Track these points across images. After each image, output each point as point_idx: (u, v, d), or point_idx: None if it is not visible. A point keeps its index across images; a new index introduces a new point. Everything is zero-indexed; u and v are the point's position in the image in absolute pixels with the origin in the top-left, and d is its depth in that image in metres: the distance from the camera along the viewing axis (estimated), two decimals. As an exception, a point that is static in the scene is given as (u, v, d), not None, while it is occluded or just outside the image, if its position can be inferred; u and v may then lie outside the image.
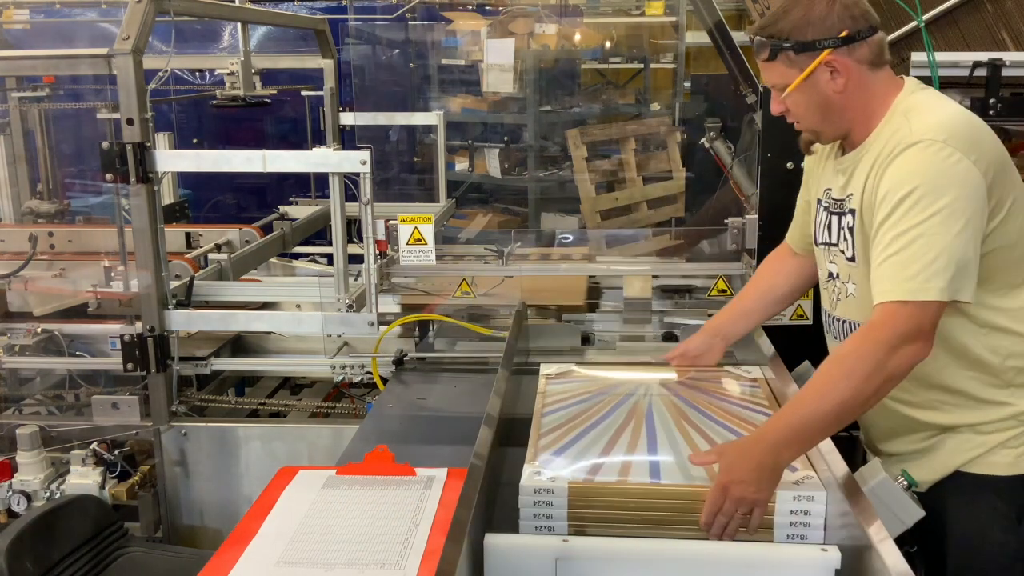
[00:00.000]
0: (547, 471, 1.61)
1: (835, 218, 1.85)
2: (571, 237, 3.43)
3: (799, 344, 2.17)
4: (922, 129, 1.64)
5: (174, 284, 2.73)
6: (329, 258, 3.46)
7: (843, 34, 1.70)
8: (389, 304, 2.82)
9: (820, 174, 1.95)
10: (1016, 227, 1.69)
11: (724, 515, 1.51)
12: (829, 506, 1.52)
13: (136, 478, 2.65)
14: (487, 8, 6.34)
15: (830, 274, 1.90)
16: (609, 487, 1.57)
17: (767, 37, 1.74)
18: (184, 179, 4.70)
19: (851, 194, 1.79)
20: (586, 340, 2.69)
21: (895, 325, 1.57)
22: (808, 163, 2.05)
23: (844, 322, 1.87)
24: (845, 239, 1.81)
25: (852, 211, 1.78)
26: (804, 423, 1.56)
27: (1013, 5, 2.62)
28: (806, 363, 2.11)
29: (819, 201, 1.93)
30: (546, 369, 2.15)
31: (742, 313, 2.21)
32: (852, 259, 1.80)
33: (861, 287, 1.78)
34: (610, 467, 1.63)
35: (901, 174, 1.62)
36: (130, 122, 2.49)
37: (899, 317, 1.57)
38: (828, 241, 1.89)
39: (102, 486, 2.61)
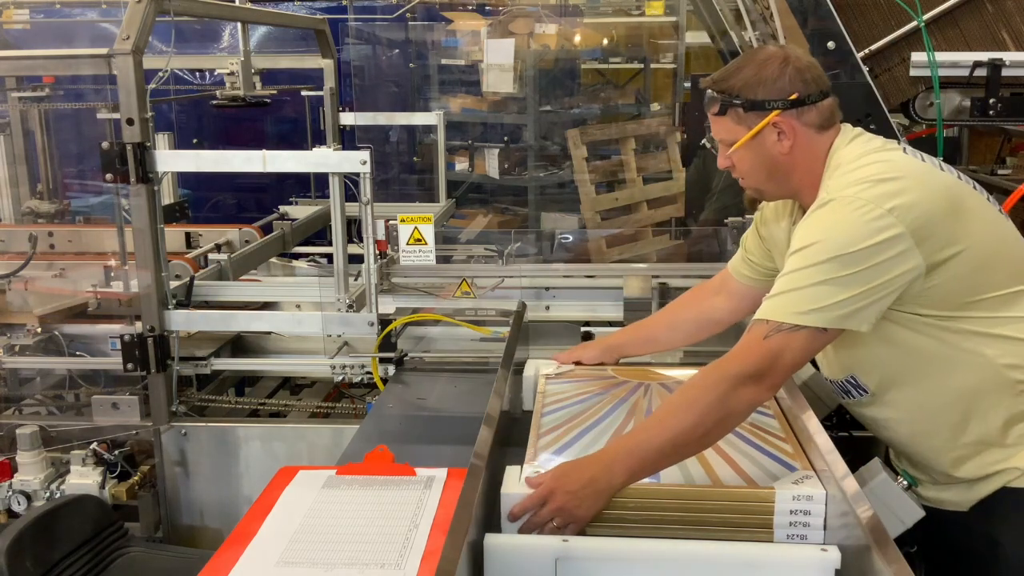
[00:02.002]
0: (546, 471, 1.61)
1: None
2: (571, 237, 3.43)
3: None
4: (839, 185, 1.64)
5: (174, 284, 2.73)
6: (329, 258, 3.46)
7: (792, 97, 1.70)
8: (389, 304, 2.82)
9: (785, 239, 1.92)
10: (973, 263, 1.64)
11: (538, 518, 1.52)
12: (829, 506, 1.52)
13: (136, 478, 2.65)
14: (487, 8, 6.34)
15: None
16: None
17: (718, 92, 1.76)
18: (184, 179, 4.70)
19: None
20: (587, 338, 2.69)
21: (744, 360, 1.56)
22: (767, 212, 2.03)
23: (831, 381, 1.88)
24: None
25: None
26: (641, 448, 1.55)
27: (1013, 5, 2.62)
28: (806, 364, 2.11)
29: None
30: (537, 367, 2.16)
31: (646, 339, 2.22)
32: None
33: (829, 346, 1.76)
34: None
35: (807, 230, 1.63)
36: (130, 122, 2.49)
37: (752, 352, 1.56)
38: None
39: (102, 486, 2.61)
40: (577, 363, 2.17)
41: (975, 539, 1.75)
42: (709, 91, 1.78)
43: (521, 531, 1.53)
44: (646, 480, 1.58)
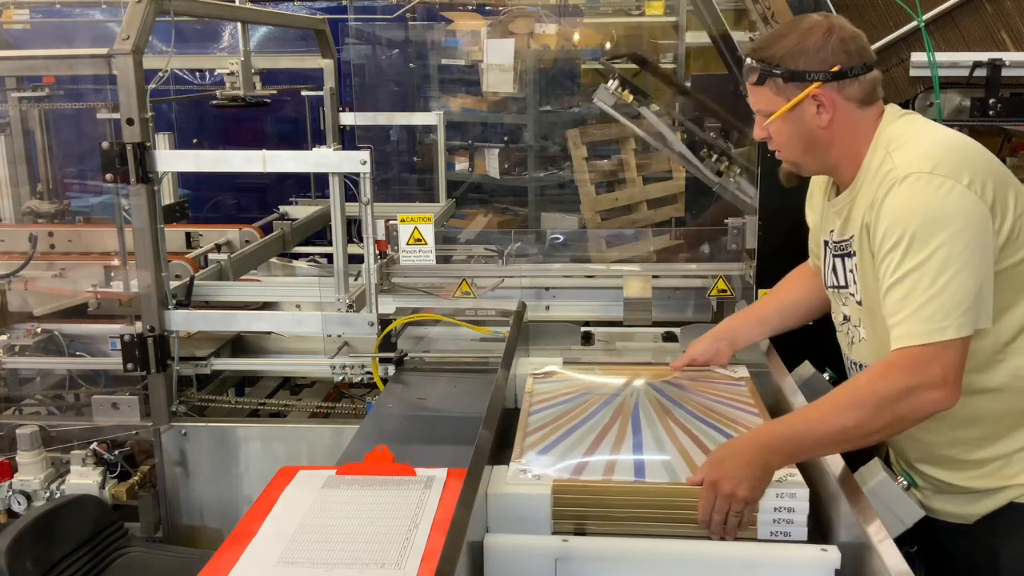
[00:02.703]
0: (532, 469, 1.61)
1: (839, 261, 1.82)
2: (561, 238, 3.43)
3: (799, 344, 2.17)
4: (907, 162, 1.60)
5: (174, 284, 2.73)
6: (329, 258, 3.47)
7: (835, 69, 1.65)
8: (389, 304, 2.82)
9: (819, 219, 1.92)
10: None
11: (718, 512, 1.50)
12: (829, 506, 1.52)
13: (136, 478, 2.65)
14: (487, 8, 6.34)
15: (845, 317, 1.86)
16: (593, 485, 1.57)
17: (758, 61, 1.70)
18: (184, 179, 4.70)
19: (851, 236, 1.75)
20: (587, 339, 2.69)
21: (915, 369, 1.51)
22: (809, 210, 2.00)
23: (861, 365, 1.83)
24: (855, 283, 1.77)
25: (853, 253, 1.74)
26: (800, 437, 1.54)
27: (1013, 5, 2.62)
28: (806, 363, 2.11)
29: (826, 243, 1.89)
30: (531, 367, 2.16)
31: (758, 321, 2.16)
32: (860, 303, 1.76)
33: (870, 331, 1.75)
34: (595, 466, 1.64)
35: (894, 214, 1.58)
36: (130, 122, 2.49)
37: (919, 361, 1.51)
38: (837, 284, 1.85)
39: (102, 486, 2.61)
40: (692, 364, 2.11)
41: (979, 553, 1.74)
42: (748, 60, 1.72)
43: (712, 533, 1.51)
44: (631, 479, 1.58)
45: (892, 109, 1.74)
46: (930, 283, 1.52)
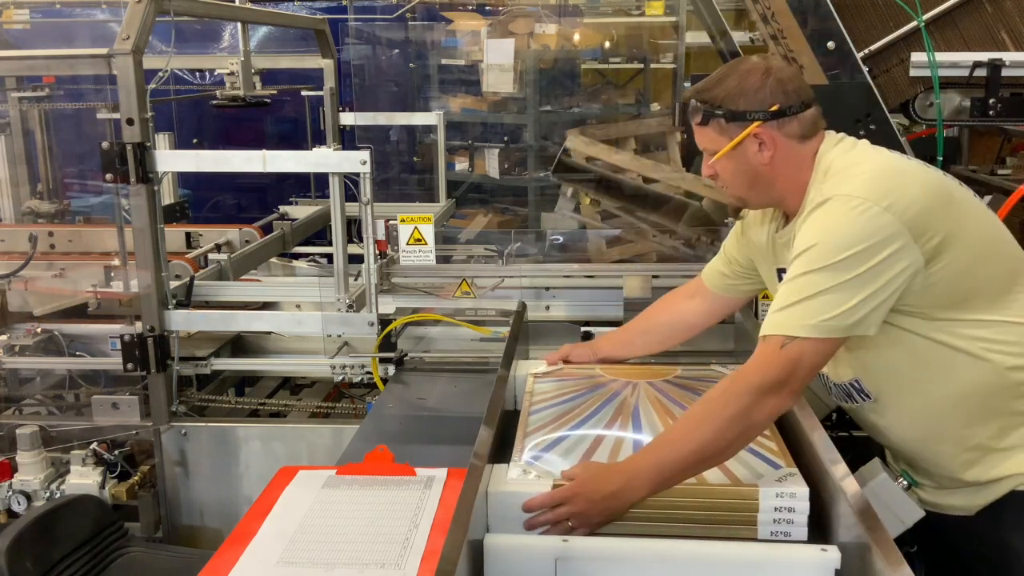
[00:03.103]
0: (533, 468, 1.61)
1: None
2: (561, 238, 3.43)
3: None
4: (833, 186, 1.65)
5: (174, 284, 2.73)
6: (329, 258, 3.47)
7: (773, 108, 1.71)
8: (389, 304, 2.82)
9: (766, 248, 1.94)
10: (969, 253, 1.65)
11: (553, 515, 1.53)
12: (829, 506, 1.52)
13: (136, 478, 2.65)
14: (487, 8, 6.34)
15: None
16: None
17: (701, 102, 1.77)
18: (184, 179, 4.70)
19: None
20: (587, 338, 2.69)
21: (764, 371, 1.57)
22: (750, 218, 2.03)
23: (837, 384, 1.87)
24: None
25: None
26: (664, 463, 1.56)
27: (1012, 5, 2.62)
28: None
29: (780, 271, 1.90)
30: (526, 367, 2.16)
31: (623, 343, 2.25)
32: None
33: None
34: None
35: (808, 231, 1.63)
36: (130, 122, 2.49)
37: (770, 362, 1.57)
38: None
39: (102, 486, 2.61)
40: (566, 362, 2.19)
41: (982, 544, 1.74)
42: (692, 101, 1.79)
43: (529, 525, 1.54)
44: None
45: (829, 137, 1.78)
46: (811, 288, 1.57)
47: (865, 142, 1.79)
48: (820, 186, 1.69)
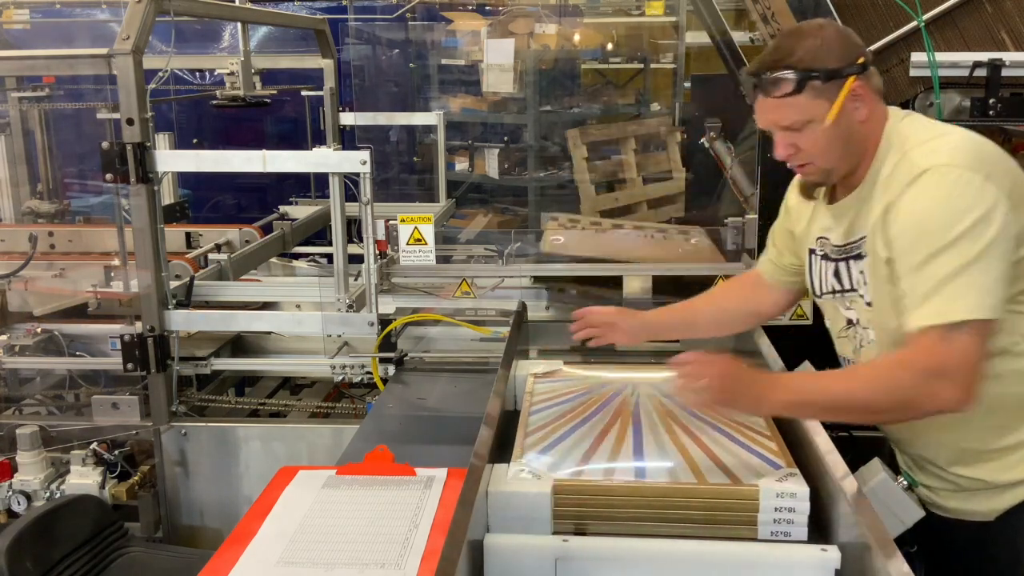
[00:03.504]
0: (533, 468, 1.61)
1: (843, 265, 1.78)
2: (562, 238, 3.43)
3: (799, 344, 2.17)
4: (926, 158, 1.57)
5: (174, 284, 2.73)
6: (329, 258, 3.46)
7: (860, 60, 1.63)
8: (389, 304, 2.82)
9: (810, 218, 1.87)
10: None
11: (695, 370, 1.55)
12: (829, 506, 1.52)
13: (136, 478, 2.65)
14: (487, 8, 6.34)
15: (849, 321, 1.81)
16: (594, 485, 1.57)
17: (788, 68, 1.62)
18: (184, 179, 4.70)
19: (862, 237, 1.71)
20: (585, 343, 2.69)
21: (931, 355, 1.49)
22: (791, 199, 1.97)
23: None
24: (865, 284, 1.72)
25: (864, 255, 1.70)
26: (807, 392, 1.56)
27: (1012, 5, 2.62)
28: (806, 363, 2.11)
29: (812, 251, 1.86)
30: (531, 367, 2.15)
31: (687, 324, 2.16)
32: (870, 304, 1.72)
33: (880, 332, 1.72)
34: (596, 465, 1.64)
35: (915, 207, 1.55)
36: (130, 122, 2.49)
37: (935, 349, 1.49)
38: (839, 289, 1.80)
39: (102, 486, 2.61)
40: (605, 327, 2.11)
41: (999, 548, 1.71)
42: (770, 74, 1.64)
43: (677, 381, 1.56)
44: (631, 479, 1.58)
45: (895, 110, 1.73)
46: (949, 269, 1.50)
47: (927, 118, 1.73)
48: (903, 158, 1.62)
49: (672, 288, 2.73)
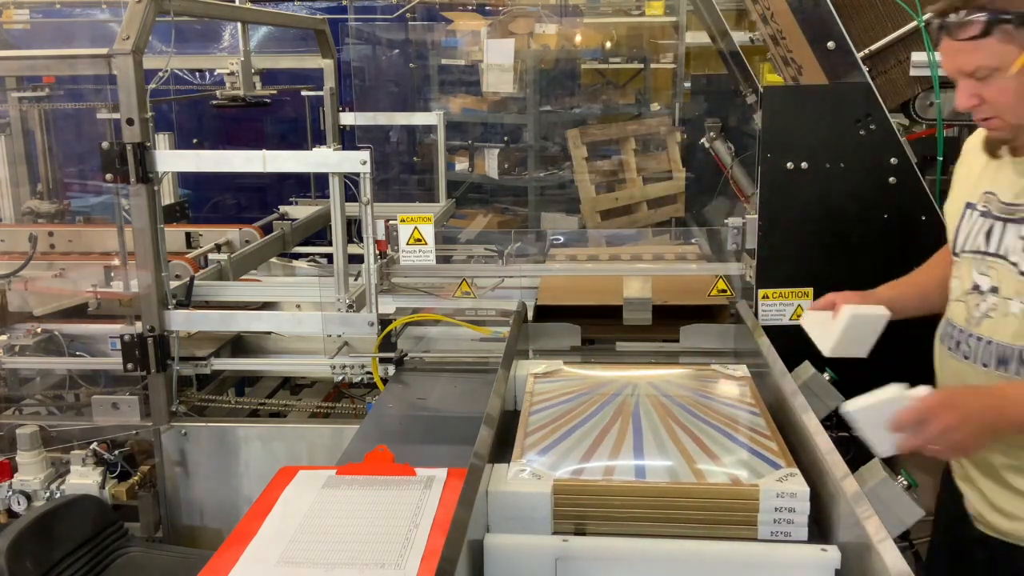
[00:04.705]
0: (533, 468, 1.61)
1: (1000, 225, 1.67)
2: (562, 239, 3.43)
3: (799, 344, 2.17)
4: None
5: (174, 284, 2.73)
6: (329, 258, 3.46)
7: None
8: (389, 304, 2.82)
9: (979, 177, 1.75)
10: None
11: (923, 435, 1.44)
12: (829, 506, 1.52)
13: (136, 478, 2.65)
14: (487, 8, 6.34)
15: (977, 286, 1.70)
16: (594, 484, 1.57)
17: (977, 9, 1.50)
18: (184, 179, 4.70)
19: None
20: (589, 340, 2.69)
21: None
22: (970, 143, 1.84)
23: (989, 342, 1.67)
24: (1021, 251, 1.61)
25: None
26: None
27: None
28: (806, 363, 2.11)
29: (969, 204, 1.75)
30: (532, 367, 2.16)
31: (921, 297, 1.96)
32: None
33: None
34: (596, 465, 1.64)
35: None
36: (130, 122, 2.49)
37: None
38: (983, 250, 1.69)
39: (102, 486, 2.61)
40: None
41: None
42: (958, 14, 1.53)
43: (901, 450, 1.46)
44: (630, 478, 1.58)
45: None
46: None
47: None
48: None
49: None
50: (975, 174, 1.76)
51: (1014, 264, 1.62)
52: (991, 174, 1.71)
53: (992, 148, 1.71)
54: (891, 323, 1.85)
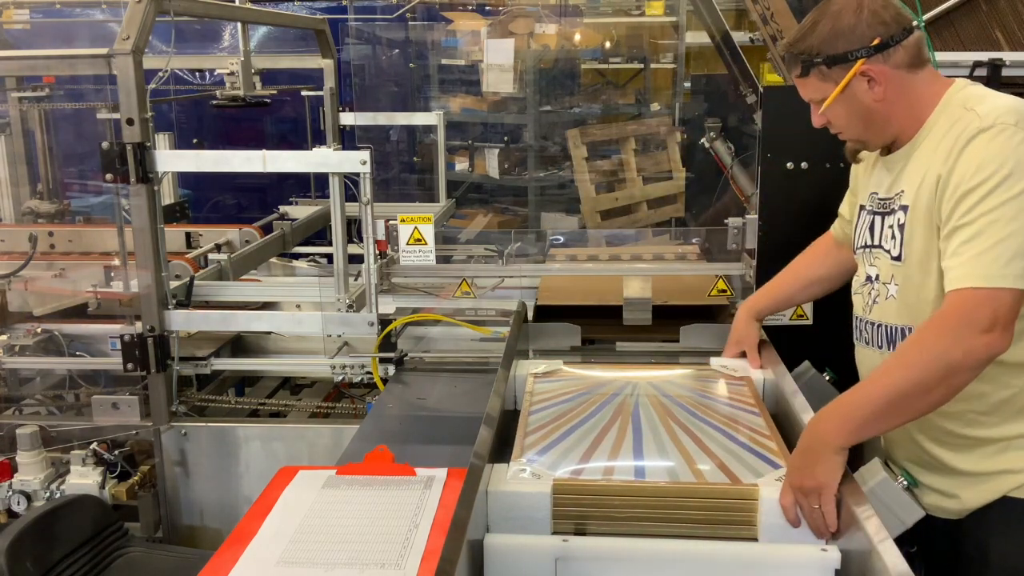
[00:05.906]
0: (533, 468, 1.61)
1: (879, 219, 1.81)
2: (562, 239, 3.43)
3: (799, 344, 2.17)
4: (991, 115, 1.58)
5: (174, 284, 2.73)
6: (329, 258, 3.47)
7: (875, 42, 1.65)
8: (389, 304, 2.82)
9: (867, 179, 1.90)
10: None
11: (804, 509, 1.48)
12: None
13: (136, 478, 2.65)
14: (487, 8, 6.34)
15: (868, 277, 1.85)
16: (593, 484, 1.57)
17: (797, 53, 1.72)
18: (184, 179, 4.70)
19: (901, 191, 1.73)
20: (589, 340, 2.69)
21: (966, 312, 1.50)
22: (855, 170, 2.00)
23: (879, 326, 1.81)
24: (892, 238, 1.75)
25: (903, 207, 1.72)
26: (852, 407, 1.53)
27: (1006, 5, 2.62)
28: (806, 363, 2.11)
29: (862, 207, 1.89)
30: (531, 367, 2.16)
31: (785, 299, 2.22)
32: (898, 258, 1.74)
33: (905, 287, 1.73)
34: (595, 465, 1.64)
35: (975, 161, 1.56)
36: (130, 122, 2.49)
37: (970, 304, 1.50)
38: (869, 243, 1.84)
39: (102, 486, 2.61)
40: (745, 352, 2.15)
41: (970, 548, 1.73)
42: (788, 54, 1.75)
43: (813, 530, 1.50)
44: (630, 478, 1.58)
45: (961, 80, 1.76)
46: (1000, 229, 1.51)
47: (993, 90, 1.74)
48: (966, 113, 1.63)
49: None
50: (863, 180, 1.93)
51: (887, 251, 1.78)
52: (876, 176, 1.86)
53: (851, 156, 1.91)
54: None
